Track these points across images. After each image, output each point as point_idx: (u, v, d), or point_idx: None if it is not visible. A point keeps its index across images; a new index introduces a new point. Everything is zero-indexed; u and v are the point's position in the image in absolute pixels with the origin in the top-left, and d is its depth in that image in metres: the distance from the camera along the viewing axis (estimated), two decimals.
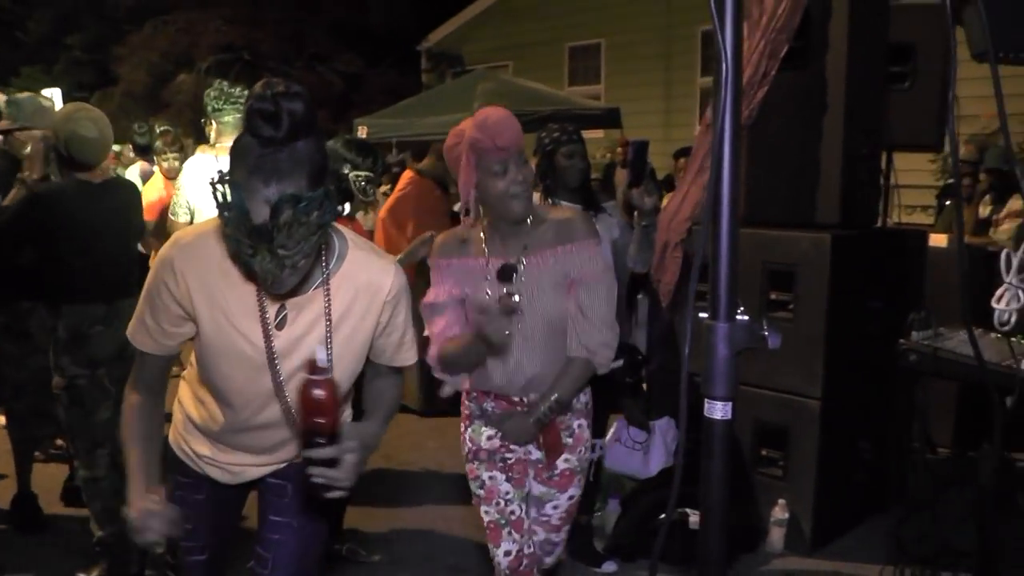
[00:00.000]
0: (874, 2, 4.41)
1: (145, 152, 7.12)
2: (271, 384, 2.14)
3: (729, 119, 1.51)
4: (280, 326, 2.10)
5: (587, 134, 13.03)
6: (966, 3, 1.54)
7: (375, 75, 17.77)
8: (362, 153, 3.95)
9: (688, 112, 13.55)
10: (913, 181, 8.49)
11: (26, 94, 4.60)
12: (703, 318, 1.56)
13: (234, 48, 17.20)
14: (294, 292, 2.06)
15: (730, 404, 1.55)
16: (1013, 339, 2.84)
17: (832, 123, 4.27)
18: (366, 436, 2.09)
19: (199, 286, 2.05)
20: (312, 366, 1.87)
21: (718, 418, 1.56)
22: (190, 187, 4.18)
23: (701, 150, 4.64)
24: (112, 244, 3.89)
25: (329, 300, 2.09)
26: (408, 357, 2.31)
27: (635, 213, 4.16)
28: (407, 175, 6.83)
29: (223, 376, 2.15)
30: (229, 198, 1.78)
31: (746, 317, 1.54)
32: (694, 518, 4.22)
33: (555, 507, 2.96)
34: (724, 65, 1.49)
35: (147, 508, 2.04)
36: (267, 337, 2.08)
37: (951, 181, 7.99)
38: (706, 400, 1.56)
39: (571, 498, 2.96)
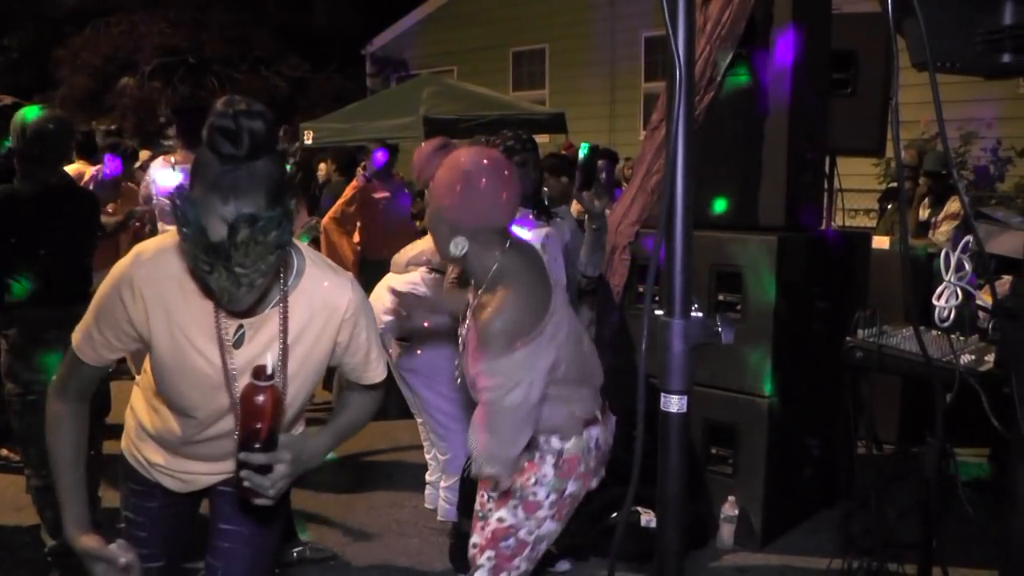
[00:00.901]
0: (817, 11, 4.50)
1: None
2: (228, 402, 2.11)
3: (683, 122, 1.56)
4: (238, 344, 2.07)
5: (536, 139, 12.95)
6: (906, 14, 1.60)
7: (320, 79, 17.69)
8: None
9: (632, 117, 13.70)
10: (856, 185, 8.70)
11: None
12: (658, 315, 1.60)
13: (178, 51, 16.99)
14: (252, 311, 2.04)
15: (685, 398, 1.60)
16: (952, 336, 2.94)
17: (777, 128, 4.36)
18: (304, 450, 2.08)
19: (157, 303, 2.02)
20: (258, 371, 1.87)
21: (674, 411, 1.60)
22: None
23: (648, 154, 4.71)
24: (69, 248, 3.86)
25: (285, 319, 2.06)
26: (375, 375, 2.29)
27: (585, 217, 4.21)
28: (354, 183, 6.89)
29: (180, 393, 2.13)
30: (188, 214, 1.76)
31: (700, 314, 1.59)
32: (647, 516, 4.29)
33: None
34: (677, 70, 1.54)
35: (89, 550, 2.06)
36: (223, 356, 2.05)
37: (893, 185, 8.17)
38: (662, 394, 1.60)
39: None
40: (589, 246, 4.12)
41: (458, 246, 2.49)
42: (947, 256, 2.59)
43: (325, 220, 6.61)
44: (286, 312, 2.06)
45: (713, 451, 4.45)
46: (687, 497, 1.63)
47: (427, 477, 5.11)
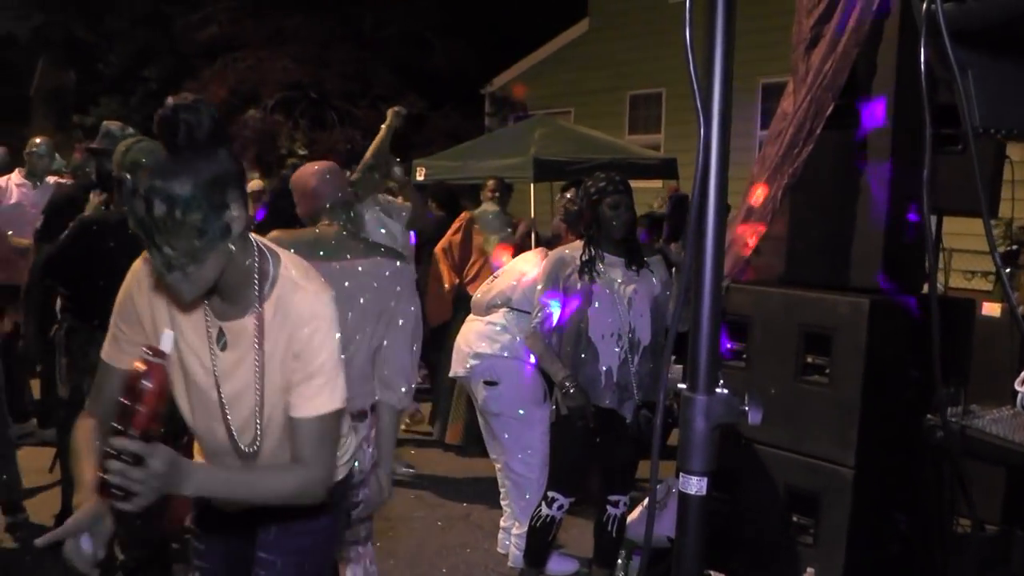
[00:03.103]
0: (929, 74, 4.30)
1: None
2: (217, 406, 2.17)
3: (715, 182, 1.45)
4: (223, 348, 2.12)
5: (644, 184, 12.98)
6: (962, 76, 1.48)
7: (438, 117, 17.92)
8: None
9: (745, 165, 13.39)
10: (973, 246, 8.31)
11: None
12: (681, 389, 1.49)
13: (300, 86, 17.49)
14: (229, 315, 2.11)
15: (706, 479, 1.48)
16: None
17: (876, 185, 4.17)
18: (183, 468, 1.94)
19: (159, 298, 2.14)
20: (153, 349, 1.87)
21: (693, 493, 1.49)
22: None
23: (744, 206, 4.56)
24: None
25: (260, 326, 2.10)
26: (308, 405, 2.10)
27: (673, 269, 4.09)
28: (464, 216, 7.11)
29: (179, 395, 2.21)
30: (124, 194, 1.96)
31: (725, 390, 1.48)
32: None
33: None
34: (700, 113, 1.44)
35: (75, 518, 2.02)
36: (212, 355, 2.12)
37: (1012, 247, 7.77)
38: (681, 474, 1.49)
39: None
40: (675, 299, 4.01)
41: None
42: None
43: (436, 248, 7.03)
44: (261, 319, 2.10)
45: (794, 519, 4.24)
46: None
47: (501, 523, 5.06)
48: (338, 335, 2.14)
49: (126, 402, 1.85)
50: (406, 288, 3.41)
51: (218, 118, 1.95)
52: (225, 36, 18.17)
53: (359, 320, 3.26)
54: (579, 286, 4.12)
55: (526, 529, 4.43)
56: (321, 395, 2.11)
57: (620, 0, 15.78)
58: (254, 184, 9.12)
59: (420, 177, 11.47)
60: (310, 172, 3.48)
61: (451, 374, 5.05)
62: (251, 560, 2.45)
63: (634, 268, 4.19)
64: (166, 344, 1.89)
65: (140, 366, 1.85)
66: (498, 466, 5.13)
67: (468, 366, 4.90)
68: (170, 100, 1.92)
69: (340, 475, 2.50)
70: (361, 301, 3.26)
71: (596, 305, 4.10)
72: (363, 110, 17.45)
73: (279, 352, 2.12)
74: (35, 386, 6.80)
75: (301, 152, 15.44)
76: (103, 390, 2.23)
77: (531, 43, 17.69)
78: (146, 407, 1.83)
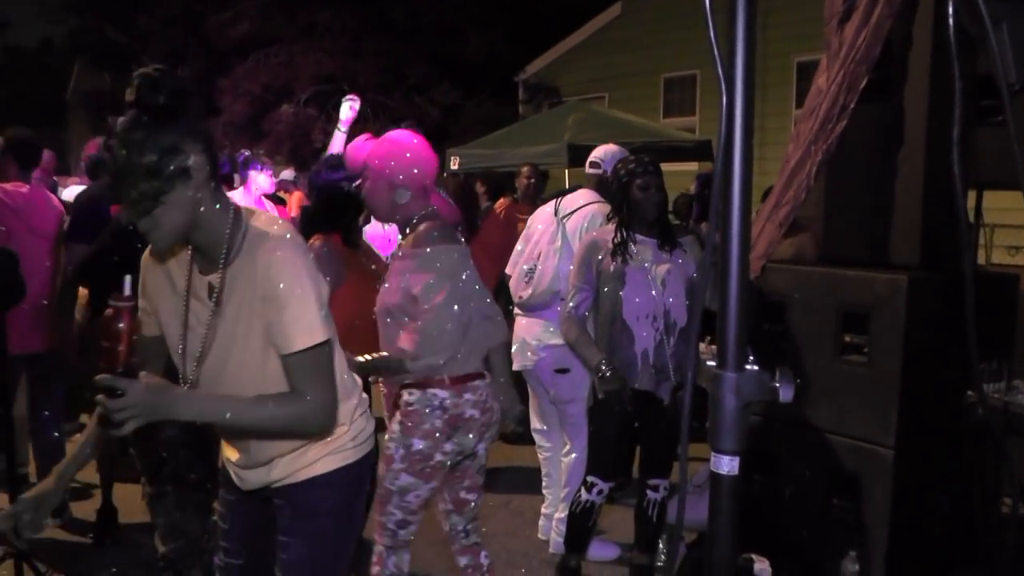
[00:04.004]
0: (960, 31, 4.21)
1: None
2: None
3: (740, 155, 1.42)
4: (216, 303, 2.31)
5: (680, 166, 12.91)
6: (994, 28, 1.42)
7: (473, 106, 17.91)
8: None
9: (781, 145, 13.24)
10: (1017, 221, 8.12)
11: None
12: (711, 366, 1.46)
13: (334, 79, 17.52)
14: (210, 269, 2.31)
15: (737, 459, 1.45)
16: None
17: (912, 159, 4.09)
18: (170, 396, 2.15)
19: (159, 264, 2.41)
20: (118, 296, 2.13)
21: (724, 472, 1.46)
22: None
23: (778, 184, 4.50)
24: None
25: (223, 277, 2.29)
26: (289, 342, 2.25)
27: (705, 248, 4.05)
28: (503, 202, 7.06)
29: (171, 348, 2.44)
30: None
31: (755, 367, 1.44)
32: (760, 565, 4.06)
33: None
34: (724, 91, 1.40)
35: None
36: (208, 311, 2.33)
37: None
38: (713, 454, 1.46)
39: None
40: (711, 281, 3.98)
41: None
42: None
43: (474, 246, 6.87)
44: (225, 270, 2.29)
45: (834, 501, 4.18)
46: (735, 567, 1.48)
47: (543, 509, 5.06)
48: (308, 276, 2.26)
49: (106, 344, 2.11)
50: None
51: (181, 85, 2.19)
52: (257, 32, 18.26)
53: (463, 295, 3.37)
54: (612, 268, 4.09)
55: (566, 514, 4.42)
56: (293, 330, 2.23)
57: None
58: (286, 174, 9.21)
59: (454, 166, 11.47)
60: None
61: (515, 367, 4.95)
62: (273, 543, 2.56)
63: (667, 249, 4.15)
64: (127, 287, 2.18)
65: (112, 311, 2.09)
66: (544, 455, 5.13)
67: (536, 358, 4.88)
68: (138, 70, 2.18)
69: (353, 457, 2.56)
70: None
71: (629, 287, 4.07)
72: (397, 101, 17.48)
73: (247, 301, 2.27)
74: None
75: None
76: (140, 353, 2.50)
77: (564, 29, 17.60)
78: (124, 345, 2.07)
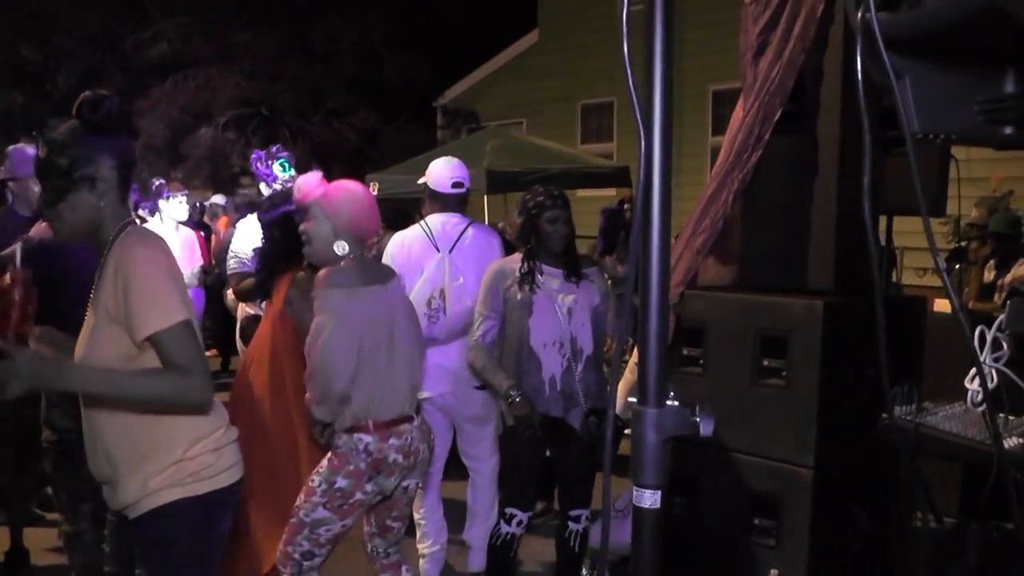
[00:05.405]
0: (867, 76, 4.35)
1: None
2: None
3: (659, 191, 1.45)
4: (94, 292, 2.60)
5: (598, 192, 12.98)
6: (898, 81, 1.49)
7: (391, 131, 17.90)
8: None
9: (699, 172, 13.56)
10: (924, 244, 8.30)
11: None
12: (632, 402, 1.49)
13: (252, 103, 17.37)
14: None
15: (659, 492, 1.48)
16: (1000, 415, 2.75)
17: (826, 187, 4.21)
18: (71, 370, 2.45)
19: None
20: (11, 267, 2.39)
21: (647, 507, 1.48)
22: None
23: (696, 212, 4.58)
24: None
25: (101, 271, 2.55)
26: (140, 326, 2.43)
27: (609, 281, 4.11)
28: None
29: None
30: None
31: (676, 403, 1.48)
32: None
33: None
34: (639, 119, 1.44)
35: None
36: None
37: (960, 244, 7.89)
38: (635, 488, 1.49)
39: None
40: (615, 311, 4.08)
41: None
42: (982, 333, 2.42)
43: None
44: (104, 260, 2.55)
45: (756, 522, 4.25)
46: None
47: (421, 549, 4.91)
48: (164, 275, 2.48)
49: (2, 313, 2.33)
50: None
51: (119, 111, 2.58)
52: (175, 53, 18.02)
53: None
54: (519, 297, 4.13)
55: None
56: (144, 317, 2.43)
57: (570, 10, 15.84)
58: (216, 199, 9.07)
59: (374, 192, 11.39)
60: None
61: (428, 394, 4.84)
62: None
63: (573, 280, 4.21)
64: (16, 257, 2.43)
65: (7, 280, 2.26)
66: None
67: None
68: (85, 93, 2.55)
69: (198, 491, 2.61)
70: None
71: (536, 315, 4.11)
72: (316, 126, 17.38)
73: (109, 293, 2.48)
74: None
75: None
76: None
77: (482, 55, 17.72)
78: (17, 312, 2.26)
